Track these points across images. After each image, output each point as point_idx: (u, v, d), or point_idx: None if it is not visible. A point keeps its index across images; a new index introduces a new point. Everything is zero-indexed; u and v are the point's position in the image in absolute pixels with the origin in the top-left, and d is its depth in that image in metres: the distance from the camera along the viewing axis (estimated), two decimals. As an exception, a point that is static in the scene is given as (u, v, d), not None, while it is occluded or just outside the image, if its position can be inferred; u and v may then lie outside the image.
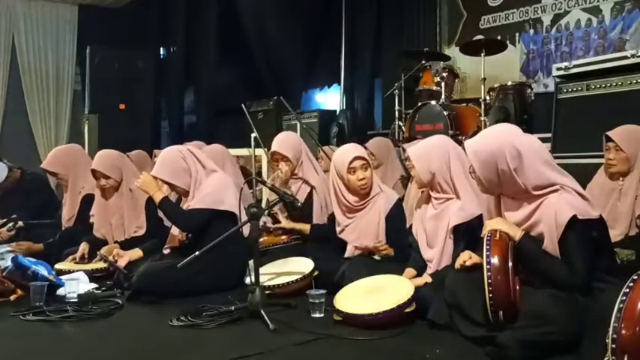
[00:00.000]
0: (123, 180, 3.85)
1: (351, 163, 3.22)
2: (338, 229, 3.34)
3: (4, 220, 4.74)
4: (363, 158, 3.25)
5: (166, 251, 3.47)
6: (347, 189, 3.27)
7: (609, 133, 3.18)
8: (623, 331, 1.70)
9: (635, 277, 1.79)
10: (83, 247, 3.76)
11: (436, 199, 2.93)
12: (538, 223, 2.29)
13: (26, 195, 4.92)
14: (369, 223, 3.24)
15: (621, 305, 1.73)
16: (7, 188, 4.92)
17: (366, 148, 4.73)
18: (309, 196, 3.72)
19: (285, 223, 3.66)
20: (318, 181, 3.73)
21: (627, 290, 1.76)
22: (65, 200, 4.34)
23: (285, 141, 3.80)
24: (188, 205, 3.34)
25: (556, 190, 2.28)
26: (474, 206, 2.80)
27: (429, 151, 2.93)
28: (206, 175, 3.36)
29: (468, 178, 2.80)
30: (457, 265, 2.52)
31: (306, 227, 3.62)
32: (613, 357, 1.71)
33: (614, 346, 1.71)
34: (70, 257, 3.76)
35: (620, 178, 3.16)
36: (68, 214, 4.26)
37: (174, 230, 3.47)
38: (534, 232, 2.31)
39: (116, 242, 3.80)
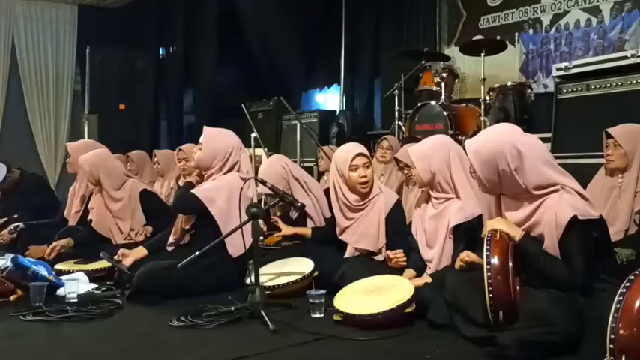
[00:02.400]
0: (102, 184, 3.97)
1: (353, 159, 3.21)
2: (338, 230, 3.34)
3: (4, 220, 4.75)
4: (365, 156, 3.25)
5: (170, 248, 3.46)
6: (347, 187, 3.27)
7: (609, 130, 3.20)
8: (621, 331, 1.70)
9: (632, 277, 1.80)
10: (65, 242, 3.82)
11: (436, 198, 2.93)
12: (538, 224, 2.30)
13: (26, 196, 4.93)
14: (369, 225, 3.23)
15: (618, 305, 1.73)
16: (6, 189, 4.93)
17: (385, 139, 4.79)
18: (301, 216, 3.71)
19: (286, 229, 3.64)
20: (309, 204, 3.69)
21: (624, 290, 1.76)
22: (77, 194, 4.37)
23: (265, 173, 3.71)
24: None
25: (556, 191, 2.29)
26: (474, 206, 2.80)
27: (429, 151, 2.93)
28: (222, 173, 3.36)
29: (469, 177, 2.80)
30: (457, 265, 2.53)
31: (307, 231, 3.62)
32: (611, 357, 1.71)
33: (612, 346, 1.71)
34: (49, 249, 3.79)
35: (619, 175, 3.18)
36: (75, 207, 4.32)
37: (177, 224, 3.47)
38: (535, 233, 2.31)
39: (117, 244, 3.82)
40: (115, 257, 3.46)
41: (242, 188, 3.17)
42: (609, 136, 3.20)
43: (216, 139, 3.39)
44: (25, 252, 3.87)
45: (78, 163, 4.27)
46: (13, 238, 4.42)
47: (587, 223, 2.23)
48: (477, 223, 2.74)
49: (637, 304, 1.72)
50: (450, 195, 2.89)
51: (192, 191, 3.30)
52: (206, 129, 3.42)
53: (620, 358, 1.69)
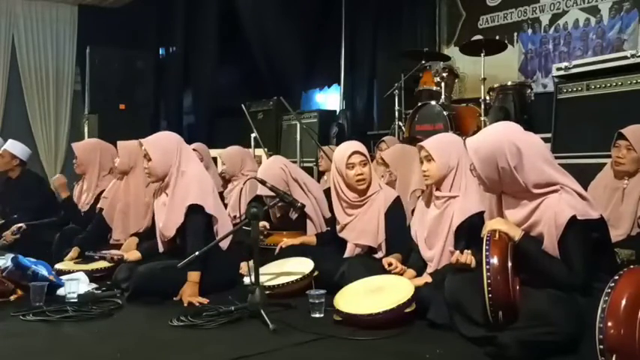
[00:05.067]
0: (130, 171, 3.94)
1: (349, 157, 3.24)
2: (338, 228, 3.35)
3: (3, 222, 4.75)
4: (362, 154, 3.27)
5: (161, 250, 3.43)
6: (346, 185, 3.29)
7: (623, 131, 3.15)
8: (611, 331, 1.71)
9: (617, 277, 1.81)
10: (72, 254, 3.80)
11: (438, 198, 2.93)
12: (538, 223, 2.30)
13: (25, 196, 4.93)
14: (368, 221, 3.25)
15: (604, 305, 1.74)
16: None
17: (383, 141, 4.80)
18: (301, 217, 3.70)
19: (290, 241, 3.56)
20: (309, 205, 3.66)
21: (609, 290, 1.78)
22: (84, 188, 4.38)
23: (264, 174, 3.67)
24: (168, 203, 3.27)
25: (556, 191, 2.29)
26: (475, 203, 2.81)
27: (448, 147, 2.93)
28: (181, 174, 3.28)
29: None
30: (453, 259, 2.53)
31: (312, 239, 3.60)
32: (602, 358, 1.72)
33: (601, 346, 1.72)
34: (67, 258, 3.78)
35: (625, 178, 3.15)
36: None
37: (160, 234, 3.38)
38: (534, 232, 2.31)
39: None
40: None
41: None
42: (621, 137, 3.14)
43: (159, 142, 3.33)
44: (25, 252, 3.87)
45: (85, 162, 4.30)
46: (16, 239, 4.43)
47: (586, 223, 2.24)
48: (478, 221, 2.74)
49: (623, 303, 1.73)
50: (454, 193, 2.89)
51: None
52: (142, 140, 3.33)
53: (611, 357, 1.70)
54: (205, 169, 3.82)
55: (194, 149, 4.64)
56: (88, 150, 4.37)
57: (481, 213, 2.77)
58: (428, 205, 3.00)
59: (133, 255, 3.43)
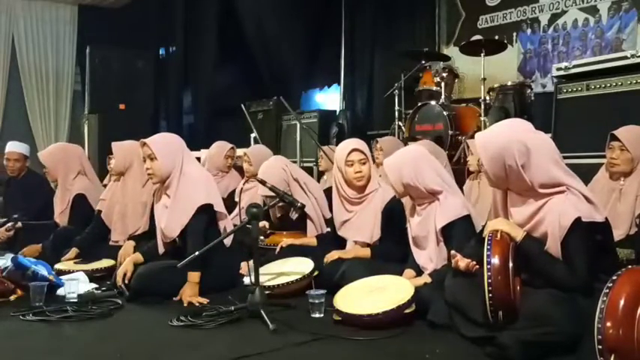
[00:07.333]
0: (126, 172, 3.92)
1: (349, 155, 3.27)
2: (337, 225, 3.37)
3: (4, 220, 4.75)
4: (361, 152, 3.29)
5: (161, 251, 3.43)
6: (345, 182, 3.32)
7: (616, 132, 3.16)
8: (610, 331, 1.71)
9: (615, 277, 1.81)
10: (70, 254, 3.80)
11: (419, 205, 2.96)
12: (542, 223, 2.29)
13: (27, 195, 4.94)
14: (366, 219, 3.27)
15: (603, 306, 1.74)
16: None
17: (377, 141, 4.81)
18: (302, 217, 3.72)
19: (291, 240, 3.59)
20: (309, 205, 3.66)
21: (607, 291, 1.77)
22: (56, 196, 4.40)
23: (265, 174, 3.67)
24: (169, 204, 3.25)
25: (562, 192, 2.28)
26: (458, 207, 2.84)
27: (399, 164, 2.96)
28: (183, 175, 3.26)
29: (447, 182, 2.86)
30: (453, 264, 2.53)
31: (312, 241, 3.62)
32: (601, 358, 1.72)
33: (600, 347, 1.72)
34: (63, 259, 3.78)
35: (621, 178, 3.15)
36: (59, 209, 4.35)
37: (161, 235, 3.35)
38: (538, 232, 2.31)
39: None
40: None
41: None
42: (614, 138, 3.15)
43: (164, 142, 3.30)
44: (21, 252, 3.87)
45: (52, 168, 4.32)
46: (10, 237, 4.42)
47: (590, 225, 2.24)
48: (465, 222, 2.78)
49: (621, 303, 1.73)
50: (431, 198, 2.91)
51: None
52: (147, 141, 3.26)
53: (610, 357, 1.70)
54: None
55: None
56: (52, 156, 4.35)
57: (466, 217, 2.80)
58: (412, 214, 3.02)
59: (137, 258, 3.37)
